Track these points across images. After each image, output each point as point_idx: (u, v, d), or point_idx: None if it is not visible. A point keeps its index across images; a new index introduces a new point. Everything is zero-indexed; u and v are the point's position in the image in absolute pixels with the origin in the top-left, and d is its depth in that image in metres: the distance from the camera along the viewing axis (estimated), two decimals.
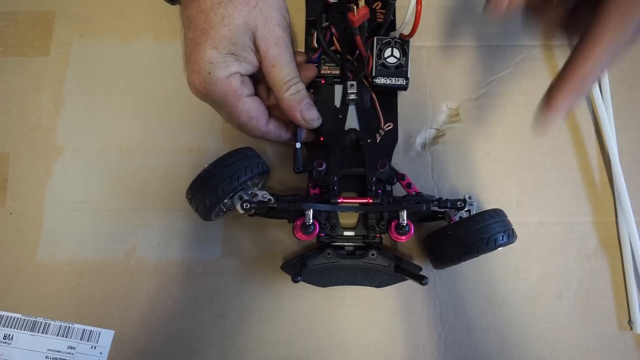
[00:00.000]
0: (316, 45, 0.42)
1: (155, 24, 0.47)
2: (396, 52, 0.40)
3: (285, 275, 0.38)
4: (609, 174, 0.44)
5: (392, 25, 0.43)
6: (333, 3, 0.43)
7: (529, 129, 0.44)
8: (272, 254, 0.42)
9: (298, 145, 0.39)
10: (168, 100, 0.46)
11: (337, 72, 0.42)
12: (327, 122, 0.40)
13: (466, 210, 0.39)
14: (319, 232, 0.38)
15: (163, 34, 0.47)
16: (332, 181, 0.39)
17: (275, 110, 0.40)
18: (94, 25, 0.47)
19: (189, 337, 0.41)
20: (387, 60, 0.40)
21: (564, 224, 0.43)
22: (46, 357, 0.41)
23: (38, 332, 0.41)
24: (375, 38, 0.40)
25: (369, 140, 0.40)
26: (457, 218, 0.38)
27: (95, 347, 0.41)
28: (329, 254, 0.38)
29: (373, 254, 0.38)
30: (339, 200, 0.38)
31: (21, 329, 0.41)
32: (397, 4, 0.39)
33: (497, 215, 0.37)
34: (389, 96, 0.43)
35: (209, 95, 0.36)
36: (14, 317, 0.41)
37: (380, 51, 0.40)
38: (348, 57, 0.42)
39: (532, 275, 0.42)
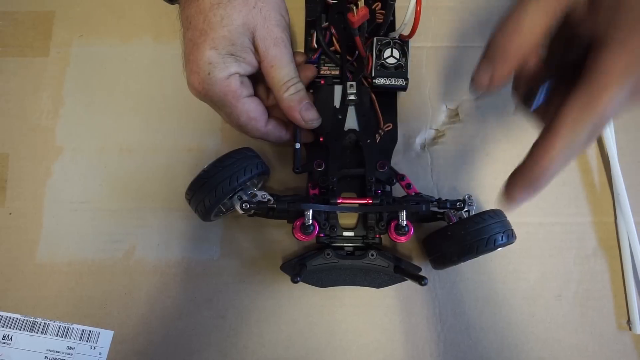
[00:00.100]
0: (316, 45, 0.42)
1: (154, 24, 0.47)
2: (396, 53, 0.40)
3: (285, 275, 0.38)
4: (608, 174, 0.44)
5: (391, 26, 0.43)
6: (333, 3, 0.43)
7: (529, 129, 0.44)
8: (272, 254, 0.42)
9: (297, 145, 0.39)
10: (167, 101, 0.46)
11: (337, 72, 0.42)
12: (326, 123, 0.40)
13: (465, 211, 0.39)
14: (318, 233, 0.38)
15: (163, 34, 0.47)
16: (331, 181, 0.39)
17: (274, 110, 0.40)
18: (93, 25, 0.48)
19: (188, 338, 0.41)
20: (387, 60, 0.40)
21: (563, 224, 0.43)
22: (45, 357, 0.41)
23: (37, 332, 0.41)
24: (374, 39, 0.40)
25: (368, 141, 0.40)
26: (456, 218, 0.38)
27: (94, 348, 0.41)
28: (328, 254, 0.38)
29: (372, 255, 0.38)
30: (338, 201, 0.38)
31: (20, 330, 0.41)
32: (397, 4, 0.39)
33: (496, 215, 0.37)
34: (388, 97, 0.43)
35: (208, 95, 0.36)
36: (13, 318, 0.41)
37: (380, 52, 0.40)
38: (347, 57, 0.42)
39: (532, 276, 0.42)
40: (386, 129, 0.41)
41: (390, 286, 0.39)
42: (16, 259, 0.42)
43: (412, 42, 0.40)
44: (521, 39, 0.26)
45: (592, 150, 0.44)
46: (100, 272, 0.42)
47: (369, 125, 0.41)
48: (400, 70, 0.40)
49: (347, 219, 0.41)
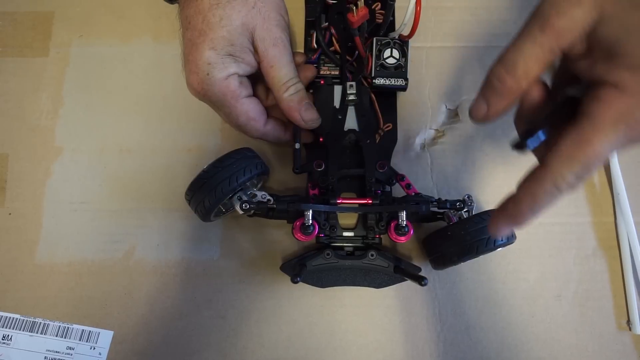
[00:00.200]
0: (315, 45, 0.42)
1: (154, 24, 0.47)
2: (395, 53, 0.40)
3: (285, 275, 0.38)
4: (607, 174, 0.44)
5: (391, 26, 0.43)
6: (332, 4, 0.43)
7: None
8: (272, 254, 0.42)
9: (297, 145, 0.39)
10: (167, 101, 0.46)
11: (337, 72, 0.42)
12: (326, 123, 0.40)
13: (465, 211, 0.39)
14: (318, 233, 0.38)
15: (162, 35, 0.47)
16: (331, 182, 0.39)
17: (274, 110, 0.40)
18: (93, 25, 0.47)
19: (188, 338, 0.41)
20: (387, 61, 0.40)
21: (563, 224, 0.43)
22: (45, 357, 0.41)
23: (37, 332, 0.41)
24: (374, 39, 0.40)
25: (368, 141, 0.40)
26: (456, 219, 0.38)
27: (94, 348, 0.41)
28: (328, 254, 0.38)
29: (372, 255, 0.38)
30: (338, 201, 0.38)
31: (20, 330, 0.41)
32: (397, 4, 0.39)
33: None
34: (388, 97, 0.43)
35: (207, 96, 0.36)
36: (13, 318, 0.41)
37: (380, 52, 0.40)
38: (347, 57, 0.42)
39: (531, 276, 0.42)
40: (386, 129, 0.41)
41: (390, 286, 0.39)
42: (16, 260, 0.42)
43: (412, 42, 0.40)
44: (515, 77, 0.26)
45: None
46: (100, 272, 0.42)
47: (368, 126, 0.41)
48: (400, 70, 0.40)
49: (347, 219, 0.41)
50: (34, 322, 0.41)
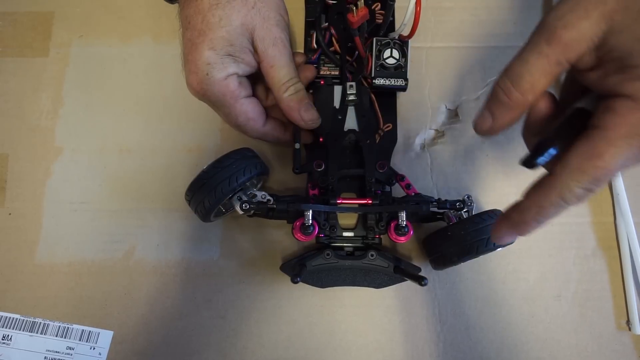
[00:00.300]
0: (315, 46, 0.42)
1: (154, 24, 0.47)
2: (395, 53, 0.40)
3: (285, 276, 0.38)
4: None
5: (391, 26, 0.43)
6: (332, 4, 0.43)
7: None
8: (271, 254, 0.42)
9: (297, 146, 0.39)
10: (167, 101, 0.46)
11: (337, 73, 0.42)
12: (326, 123, 0.40)
13: (465, 211, 0.39)
14: (318, 233, 0.38)
15: (162, 35, 0.47)
16: (331, 182, 0.39)
17: (273, 111, 0.40)
18: (93, 25, 0.47)
19: (188, 338, 0.41)
20: (386, 61, 0.40)
21: (563, 224, 0.43)
22: (45, 357, 0.41)
23: (37, 332, 0.41)
24: (374, 39, 0.40)
25: (368, 141, 0.40)
26: (456, 219, 0.38)
27: (94, 348, 0.41)
28: (328, 254, 0.38)
29: (372, 255, 0.38)
30: (338, 201, 0.38)
31: (20, 330, 0.41)
32: (397, 4, 0.39)
33: (496, 216, 0.37)
34: (388, 97, 0.43)
35: (207, 96, 0.36)
36: (13, 318, 0.41)
37: (380, 52, 0.40)
38: (347, 58, 0.42)
39: (531, 276, 0.42)
40: (386, 129, 0.41)
41: (390, 286, 0.39)
42: (16, 260, 0.42)
43: (412, 43, 0.40)
44: (521, 90, 0.25)
45: None
46: (100, 272, 0.42)
47: (368, 126, 0.41)
48: (399, 70, 0.40)
49: (347, 219, 0.41)
50: (34, 322, 0.41)
